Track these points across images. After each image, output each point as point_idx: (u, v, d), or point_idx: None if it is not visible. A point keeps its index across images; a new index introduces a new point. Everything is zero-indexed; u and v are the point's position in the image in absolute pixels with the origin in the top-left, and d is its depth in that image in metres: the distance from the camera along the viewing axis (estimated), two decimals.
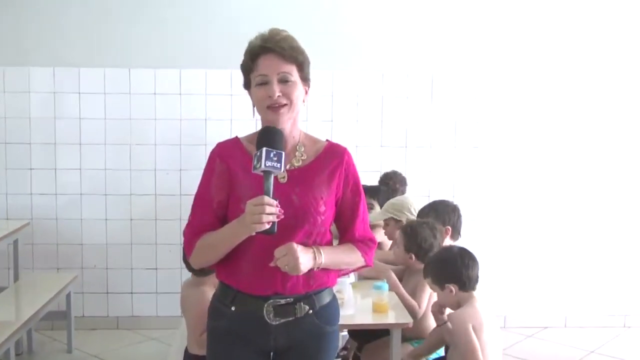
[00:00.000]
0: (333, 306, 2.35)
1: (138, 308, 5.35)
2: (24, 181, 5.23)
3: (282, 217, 2.07)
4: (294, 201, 2.20)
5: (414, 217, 4.03)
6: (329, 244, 2.30)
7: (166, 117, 5.25)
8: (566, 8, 5.37)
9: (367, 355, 3.83)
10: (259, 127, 2.29)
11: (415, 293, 3.66)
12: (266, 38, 2.22)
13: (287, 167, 2.22)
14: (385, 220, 4.17)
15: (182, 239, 2.32)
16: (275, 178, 2.14)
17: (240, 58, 2.28)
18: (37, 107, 5.20)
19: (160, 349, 4.90)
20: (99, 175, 5.25)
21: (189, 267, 3.04)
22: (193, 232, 2.26)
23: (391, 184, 4.72)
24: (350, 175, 2.33)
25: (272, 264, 2.14)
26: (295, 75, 2.22)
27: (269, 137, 2.15)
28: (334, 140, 2.40)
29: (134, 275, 5.34)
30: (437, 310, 3.34)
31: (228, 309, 2.27)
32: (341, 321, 2.43)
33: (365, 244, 2.36)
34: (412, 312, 3.54)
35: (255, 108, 2.28)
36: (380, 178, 4.85)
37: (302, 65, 2.24)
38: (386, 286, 3.50)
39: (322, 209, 2.24)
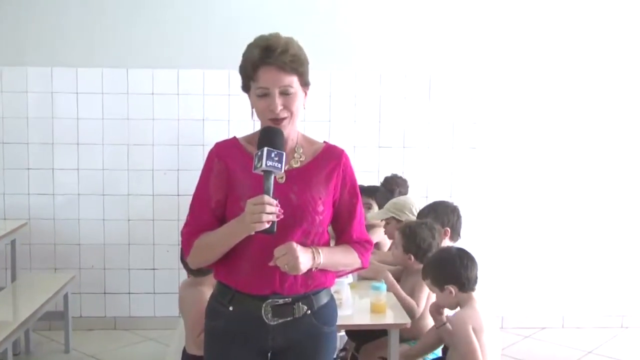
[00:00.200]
0: (331, 306, 2.36)
1: (136, 308, 5.35)
2: (22, 181, 5.22)
3: (282, 216, 2.08)
4: (292, 200, 2.20)
5: (414, 217, 4.02)
6: (327, 244, 2.31)
7: (164, 118, 5.25)
8: (563, 9, 5.38)
9: (365, 355, 3.83)
10: (257, 127, 2.29)
11: (413, 293, 3.66)
12: (266, 49, 2.17)
13: (286, 168, 2.22)
14: (386, 220, 4.17)
15: (180, 239, 2.32)
16: (274, 178, 2.14)
17: (238, 58, 2.27)
18: (34, 107, 5.19)
19: (158, 350, 4.90)
20: (96, 176, 5.25)
21: (187, 267, 3.04)
22: (191, 232, 2.26)
23: (394, 187, 4.66)
24: (348, 176, 2.33)
25: (271, 263, 2.14)
26: (295, 86, 2.22)
27: (270, 137, 2.15)
28: (332, 140, 2.41)
29: (131, 275, 5.33)
30: (435, 311, 3.34)
31: (226, 308, 2.27)
32: (339, 321, 2.43)
33: (362, 245, 2.37)
34: (410, 311, 3.55)
35: (254, 110, 2.27)
36: (382, 183, 4.81)
37: (302, 74, 2.23)
38: (384, 286, 3.50)
39: (320, 208, 2.24)
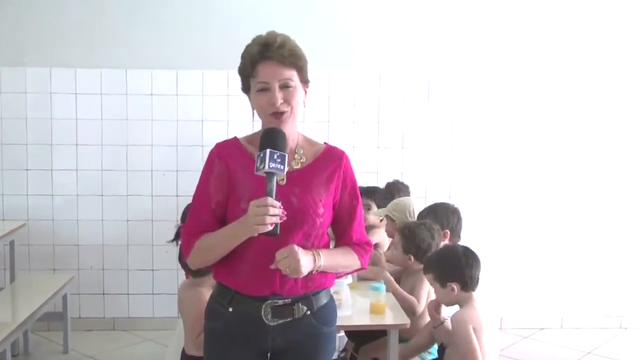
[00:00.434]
0: (331, 307, 2.36)
1: (134, 309, 5.35)
2: (20, 182, 5.22)
3: (285, 218, 2.08)
4: (293, 202, 2.20)
5: (412, 220, 4.02)
6: (327, 246, 2.31)
7: (163, 118, 5.24)
8: (562, 10, 5.38)
9: (364, 356, 3.84)
10: (257, 128, 2.29)
11: (413, 293, 3.66)
12: (265, 44, 2.19)
13: (287, 169, 2.21)
14: (386, 217, 4.18)
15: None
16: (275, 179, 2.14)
17: (237, 59, 2.27)
18: (33, 107, 5.19)
19: (157, 350, 4.90)
20: (95, 176, 5.25)
21: (185, 267, 3.04)
22: (191, 233, 2.26)
23: (395, 193, 4.62)
24: (348, 178, 2.33)
25: (273, 266, 2.14)
26: (295, 80, 2.22)
27: (273, 138, 2.15)
28: (331, 141, 2.41)
29: (130, 276, 5.33)
30: (434, 308, 3.34)
31: (225, 309, 2.27)
32: (338, 322, 2.43)
33: (362, 247, 2.37)
34: (411, 309, 3.55)
35: (255, 111, 2.27)
36: (384, 189, 4.78)
37: (301, 68, 2.24)
38: (383, 287, 3.50)
39: (321, 210, 2.24)
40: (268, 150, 2.08)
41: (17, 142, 5.20)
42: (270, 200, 2.05)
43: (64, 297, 4.80)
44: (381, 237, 4.35)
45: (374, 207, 4.43)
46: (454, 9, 5.35)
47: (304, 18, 5.14)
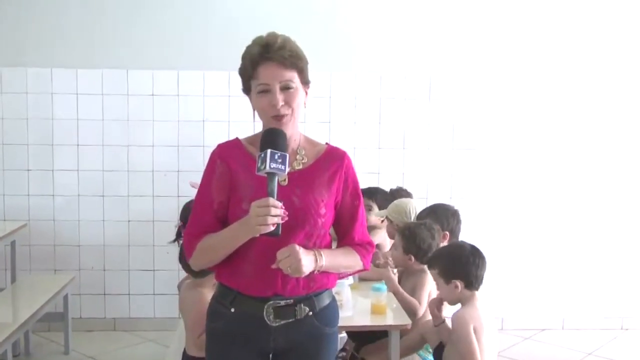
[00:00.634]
0: (333, 308, 2.36)
1: (135, 309, 5.35)
2: (21, 182, 5.22)
3: (287, 218, 2.08)
4: (294, 203, 2.20)
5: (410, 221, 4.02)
6: (329, 246, 2.31)
7: (164, 119, 5.24)
8: (563, 10, 5.38)
9: (365, 356, 3.83)
10: (258, 129, 2.29)
11: (414, 293, 3.66)
12: (265, 46, 2.19)
13: (288, 169, 2.21)
14: (387, 219, 4.18)
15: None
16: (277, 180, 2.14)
17: (238, 59, 2.27)
18: (34, 108, 5.19)
19: (158, 351, 4.89)
20: (96, 177, 5.25)
21: (186, 268, 3.05)
22: (193, 234, 2.26)
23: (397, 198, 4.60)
24: (350, 179, 2.33)
25: (274, 266, 2.14)
26: (296, 81, 2.22)
27: (273, 139, 2.15)
28: (332, 142, 2.40)
29: (131, 276, 5.33)
30: (436, 306, 3.35)
31: (227, 310, 2.27)
32: (340, 322, 2.43)
33: (364, 247, 2.37)
34: (412, 310, 3.55)
35: (255, 112, 2.27)
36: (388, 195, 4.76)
37: (302, 69, 2.24)
38: (384, 287, 3.50)
39: (323, 211, 2.24)
40: (269, 151, 2.08)
41: (18, 143, 5.20)
42: (272, 200, 2.05)
43: (65, 298, 4.80)
44: (382, 238, 4.35)
45: (375, 208, 4.42)
46: (455, 10, 5.35)
47: (304, 18, 5.14)
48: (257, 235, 2.08)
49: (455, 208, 4.14)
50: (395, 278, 3.74)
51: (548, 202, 5.49)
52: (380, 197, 4.54)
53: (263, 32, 2.27)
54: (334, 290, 2.41)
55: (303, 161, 2.29)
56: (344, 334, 4.05)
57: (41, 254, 5.24)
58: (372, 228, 4.23)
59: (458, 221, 4.05)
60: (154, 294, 5.34)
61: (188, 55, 5.21)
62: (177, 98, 5.25)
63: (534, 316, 5.53)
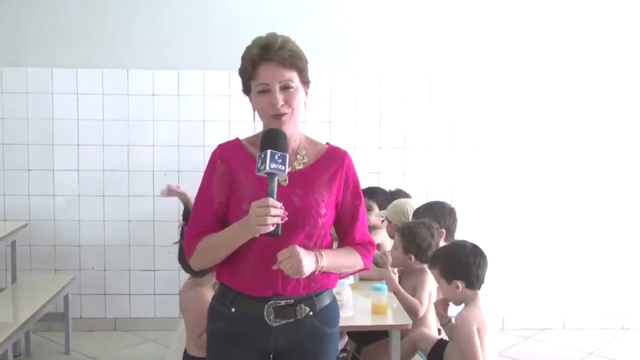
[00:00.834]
0: (333, 308, 2.36)
1: (136, 309, 5.34)
2: (22, 182, 5.22)
3: (287, 219, 2.07)
4: (295, 203, 2.19)
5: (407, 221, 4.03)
6: (329, 246, 2.30)
7: (164, 119, 5.24)
8: (564, 10, 5.38)
9: (366, 356, 3.83)
10: (258, 129, 2.29)
11: (415, 293, 3.66)
12: (265, 46, 2.20)
13: (288, 169, 2.21)
14: (386, 219, 4.19)
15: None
16: (277, 180, 2.14)
17: (238, 60, 2.27)
18: (34, 107, 5.18)
19: (158, 351, 4.89)
20: (96, 177, 5.25)
21: (185, 267, 3.05)
22: (193, 234, 2.26)
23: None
24: (351, 178, 2.33)
25: (275, 267, 2.14)
26: (296, 81, 2.22)
27: (273, 139, 2.15)
28: (333, 142, 2.40)
29: (131, 276, 5.33)
30: (442, 306, 3.35)
31: (228, 310, 2.27)
32: (340, 322, 2.42)
33: (365, 247, 2.37)
34: (413, 310, 3.55)
35: (255, 112, 2.27)
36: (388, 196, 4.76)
37: (302, 69, 2.24)
38: (385, 287, 3.50)
39: (323, 211, 2.24)
40: (269, 151, 2.08)
41: (19, 143, 5.20)
42: (272, 200, 2.05)
43: (66, 298, 4.80)
44: (383, 238, 4.34)
45: (376, 208, 4.43)
46: (455, 10, 5.34)
47: (305, 18, 5.14)
48: (257, 235, 2.08)
49: (452, 206, 4.15)
50: (396, 278, 3.75)
51: (549, 202, 5.49)
52: (381, 197, 4.55)
53: (263, 32, 2.27)
54: (334, 290, 2.41)
55: (303, 161, 2.29)
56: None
57: (42, 254, 5.24)
58: (372, 228, 4.22)
59: (454, 219, 4.07)
60: (154, 294, 5.34)
61: (188, 55, 5.20)
62: (177, 98, 5.25)
63: (534, 316, 5.53)
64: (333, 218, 2.31)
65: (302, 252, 2.13)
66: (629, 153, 5.52)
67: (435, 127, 5.41)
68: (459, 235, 4.03)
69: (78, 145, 5.22)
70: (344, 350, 4.32)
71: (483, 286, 3.32)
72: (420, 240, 3.70)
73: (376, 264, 3.74)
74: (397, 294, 3.62)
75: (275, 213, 2.04)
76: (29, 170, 5.22)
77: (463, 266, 3.26)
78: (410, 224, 3.83)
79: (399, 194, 4.59)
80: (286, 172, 2.12)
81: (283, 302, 2.23)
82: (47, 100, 5.19)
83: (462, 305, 3.32)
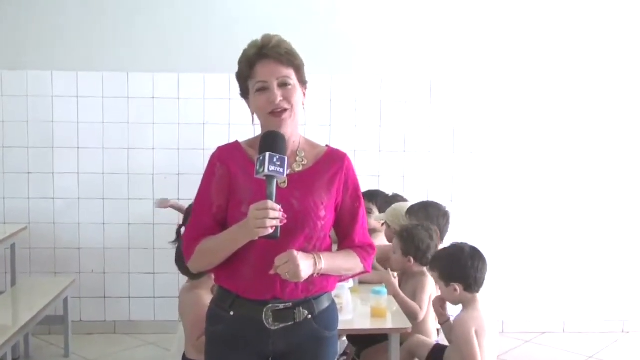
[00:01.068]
0: (332, 311, 2.35)
1: (135, 312, 5.34)
2: (22, 185, 5.22)
3: (285, 221, 2.07)
4: (294, 205, 2.19)
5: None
6: (329, 249, 2.30)
7: (164, 122, 5.24)
8: (563, 14, 5.38)
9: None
10: (258, 131, 2.29)
11: (415, 296, 3.66)
12: (261, 45, 2.22)
13: (288, 172, 2.21)
14: (385, 223, 4.19)
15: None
16: (276, 182, 2.13)
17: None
18: (34, 110, 5.18)
19: (158, 354, 4.89)
20: (96, 180, 5.25)
21: (183, 270, 3.05)
22: (192, 237, 2.25)
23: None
24: (350, 180, 2.33)
25: (272, 272, 2.13)
26: (293, 79, 2.23)
27: (272, 141, 2.15)
28: (333, 145, 2.40)
29: (131, 279, 5.32)
30: (439, 304, 3.34)
31: (227, 313, 2.26)
32: (339, 326, 2.42)
33: (365, 250, 2.36)
34: (413, 314, 3.54)
35: (254, 115, 2.27)
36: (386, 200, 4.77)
37: (299, 68, 2.25)
38: (385, 291, 3.49)
39: (322, 213, 2.23)
40: (267, 154, 2.08)
41: (19, 145, 5.20)
42: (270, 203, 2.05)
43: (65, 301, 4.79)
44: (383, 241, 4.33)
45: (376, 211, 4.42)
46: (455, 13, 5.34)
47: (305, 22, 5.14)
48: (256, 238, 2.08)
49: (447, 209, 4.16)
50: (396, 281, 3.74)
51: (549, 206, 5.48)
52: (381, 200, 4.55)
53: (257, 38, 2.28)
54: (333, 293, 2.40)
55: (303, 163, 2.28)
56: (344, 338, 4.04)
57: (41, 256, 5.24)
58: (372, 231, 4.22)
59: (447, 222, 4.08)
60: (154, 297, 5.34)
61: (188, 58, 5.21)
62: (177, 101, 5.25)
63: (534, 319, 5.52)
64: (333, 220, 2.30)
65: (299, 256, 2.12)
66: (628, 156, 5.52)
67: (435, 130, 5.41)
68: (460, 239, 4.02)
69: (78, 148, 5.22)
70: (344, 353, 4.31)
71: (482, 289, 3.32)
72: (419, 242, 3.70)
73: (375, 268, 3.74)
74: (396, 297, 3.61)
75: (274, 216, 2.04)
76: (28, 173, 5.22)
77: (461, 269, 3.26)
78: (409, 226, 3.83)
79: (396, 198, 4.60)
80: (285, 175, 2.11)
81: (282, 306, 2.22)
82: (47, 102, 5.19)
83: (461, 305, 3.32)
